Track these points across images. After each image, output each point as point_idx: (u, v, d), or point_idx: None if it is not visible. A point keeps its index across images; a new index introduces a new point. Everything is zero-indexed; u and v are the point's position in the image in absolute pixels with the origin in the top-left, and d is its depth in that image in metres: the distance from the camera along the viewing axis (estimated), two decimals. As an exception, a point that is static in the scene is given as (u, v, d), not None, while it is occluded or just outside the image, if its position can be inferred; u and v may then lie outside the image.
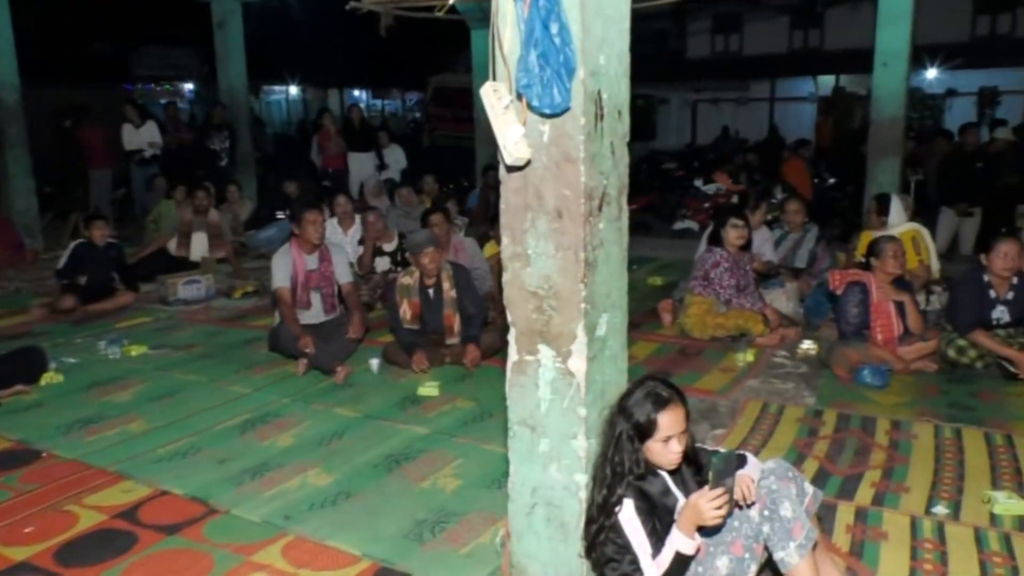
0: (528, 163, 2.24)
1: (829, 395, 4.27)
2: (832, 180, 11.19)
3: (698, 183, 10.53)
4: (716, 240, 5.26)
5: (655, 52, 20.94)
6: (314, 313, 4.91)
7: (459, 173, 12.23)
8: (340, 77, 23.81)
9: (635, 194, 12.25)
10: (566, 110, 2.14)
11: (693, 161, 15.19)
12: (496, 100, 2.17)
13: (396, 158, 10.35)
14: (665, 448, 2.25)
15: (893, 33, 7.21)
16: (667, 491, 2.34)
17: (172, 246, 7.55)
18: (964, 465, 3.38)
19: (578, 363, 2.32)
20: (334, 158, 10.18)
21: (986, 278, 4.47)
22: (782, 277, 5.96)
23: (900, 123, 7.32)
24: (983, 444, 3.58)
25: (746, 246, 5.30)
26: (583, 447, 2.36)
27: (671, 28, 21.04)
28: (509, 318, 2.43)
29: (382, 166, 10.19)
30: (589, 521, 2.32)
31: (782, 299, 5.63)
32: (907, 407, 4.07)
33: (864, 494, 3.14)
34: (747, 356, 4.83)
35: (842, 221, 9.82)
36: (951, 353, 4.46)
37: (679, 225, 10.16)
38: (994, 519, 2.92)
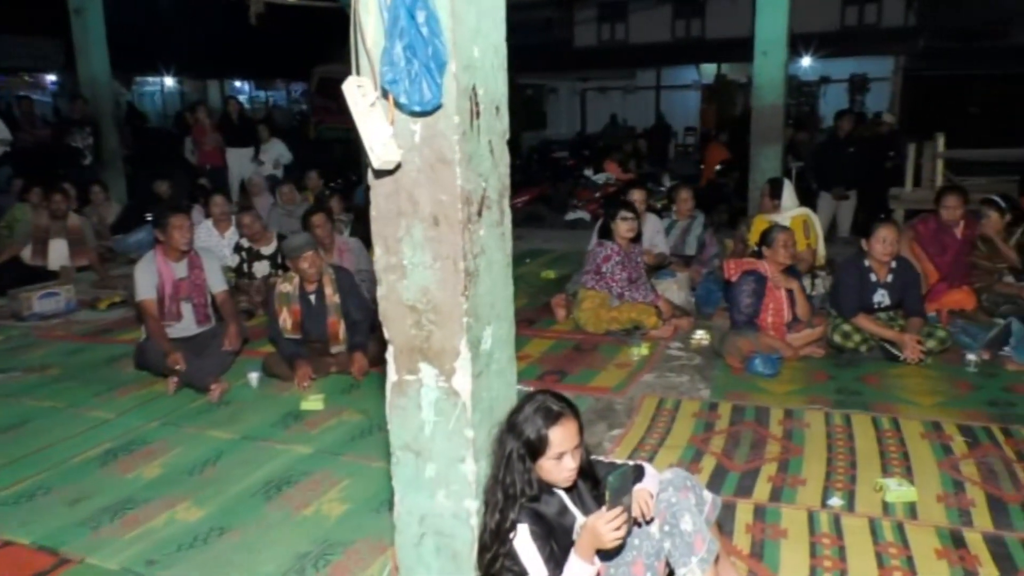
0: (399, 166, 2.03)
1: (723, 386, 4.26)
2: (717, 166, 11.42)
3: (588, 172, 10.53)
4: (606, 233, 5.18)
5: (543, 41, 20.96)
6: (185, 325, 4.53)
7: (347, 167, 11.82)
8: (220, 67, 22.70)
9: (526, 185, 12.29)
10: (438, 107, 1.95)
11: (583, 150, 15.28)
12: (360, 97, 1.95)
13: (278, 153, 9.86)
14: (559, 465, 2.10)
15: (771, 22, 7.35)
16: (564, 510, 2.20)
17: (27, 254, 6.89)
18: (855, 452, 3.41)
19: (463, 381, 2.13)
20: (210, 154, 9.60)
21: (867, 263, 4.56)
22: (673, 267, 5.98)
23: (780, 110, 7.49)
24: (871, 429, 3.63)
25: (637, 238, 5.25)
26: (472, 471, 2.18)
27: (558, 17, 21.10)
28: (386, 335, 2.22)
29: (261, 162, 9.69)
30: (482, 549, 2.15)
31: (673, 289, 5.63)
32: (798, 395, 4.10)
33: (762, 490, 3.10)
34: (642, 350, 4.78)
35: (729, 207, 10.03)
36: (837, 338, 4.54)
37: (571, 215, 10.14)
38: (887, 507, 2.94)
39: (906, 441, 3.49)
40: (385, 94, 1.93)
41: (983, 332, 4.67)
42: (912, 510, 2.91)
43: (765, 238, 4.58)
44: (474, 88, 2.03)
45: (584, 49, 20.58)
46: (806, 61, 17.70)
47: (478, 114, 2.06)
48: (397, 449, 2.28)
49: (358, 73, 1.99)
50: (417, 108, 1.91)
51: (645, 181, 10.46)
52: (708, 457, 3.41)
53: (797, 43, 17.02)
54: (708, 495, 2.35)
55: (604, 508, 2.01)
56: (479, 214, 2.11)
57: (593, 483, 2.28)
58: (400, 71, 1.86)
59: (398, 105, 1.93)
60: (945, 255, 5.36)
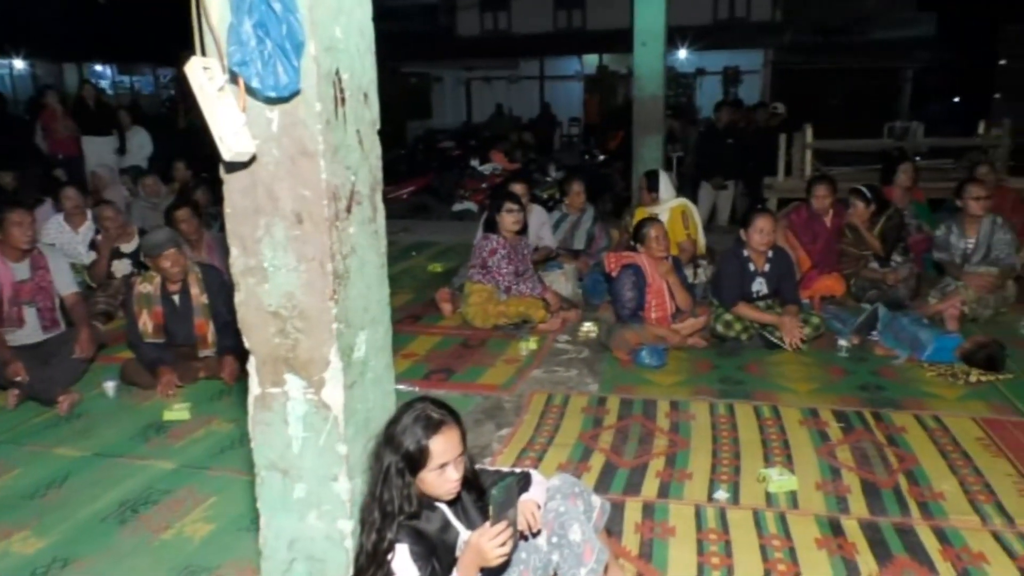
0: (254, 158, 1.83)
1: (611, 379, 4.23)
2: (602, 157, 11.55)
3: (475, 163, 10.40)
4: (492, 226, 5.06)
5: (426, 30, 20.66)
6: (29, 332, 4.11)
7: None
8: (77, 49, 21.08)
9: (412, 175, 12.02)
10: (296, 93, 1.76)
11: (470, 140, 15.14)
12: (206, 81, 1.73)
13: (140, 142, 9.20)
14: (441, 477, 1.96)
15: (649, 13, 7.43)
16: (447, 526, 2.06)
17: None
18: (739, 443, 3.43)
19: (334, 393, 1.96)
20: (64, 142, 8.85)
21: (745, 253, 4.64)
22: (561, 259, 5.93)
23: (660, 101, 7.59)
24: (753, 418, 3.67)
25: (523, 230, 5.16)
26: (346, 489, 2.01)
27: (441, 5, 20.83)
28: (247, 344, 2.01)
29: (122, 150, 9.02)
30: (358, 573, 1.99)
31: (561, 281, 5.58)
32: (684, 386, 4.12)
33: (650, 486, 3.07)
34: (530, 344, 4.70)
35: (614, 197, 10.15)
36: (719, 328, 4.60)
37: (458, 206, 9.99)
38: (770, 498, 2.96)
39: (786, 429, 3.55)
40: (235, 78, 1.72)
41: (853, 318, 4.85)
42: (793, 499, 2.95)
43: (637, 234, 4.57)
44: (338, 72, 1.85)
45: (467, 38, 20.39)
46: (682, 53, 18.19)
47: (343, 101, 1.87)
48: (262, 468, 2.08)
49: (203, 53, 1.77)
50: (272, 93, 1.72)
51: (531, 171, 10.47)
52: (597, 455, 3.36)
53: (674, 35, 17.46)
54: (597, 500, 2.27)
55: (488, 524, 1.89)
56: (348, 211, 1.93)
57: (478, 494, 2.15)
58: (251, 52, 1.66)
59: (250, 90, 1.73)
60: (816, 243, 5.55)
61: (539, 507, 2.07)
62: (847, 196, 5.62)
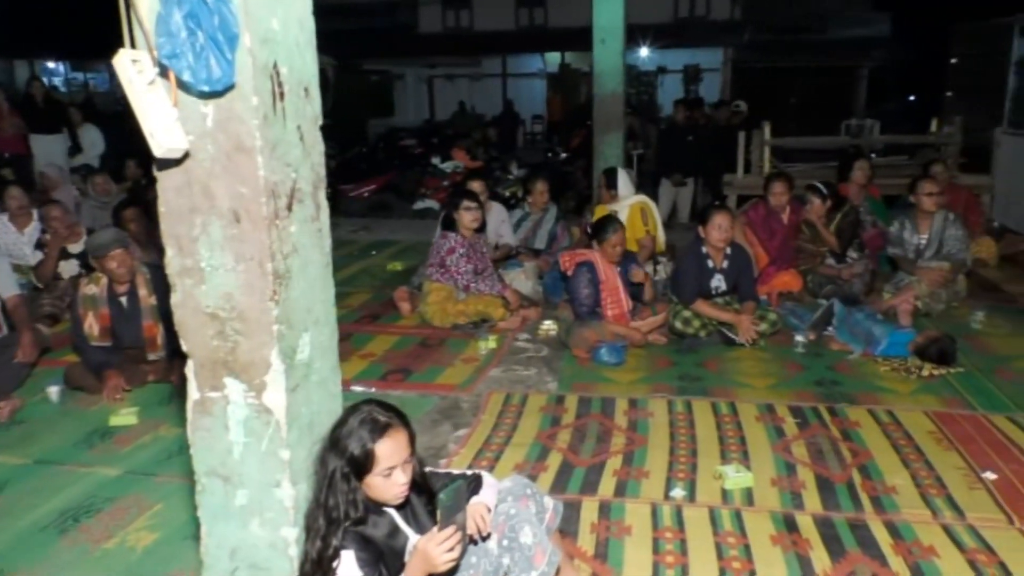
0: (187, 155, 1.76)
1: (570, 378, 4.21)
2: (564, 155, 11.55)
3: (436, 161, 10.32)
4: (450, 224, 5.01)
5: (387, 27, 20.48)
6: (-32, 337, 3.96)
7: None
8: (28, 45, 20.54)
9: (373, 173, 11.90)
10: (230, 87, 1.69)
11: (432, 137, 15.03)
12: (136, 74, 1.66)
13: (91, 139, 8.97)
14: (388, 481, 1.91)
15: (608, 11, 7.43)
16: (395, 531, 2.01)
17: None
18: (696, 440, 3.43)
19: (275, 396, 1.90)
20: (11, 141, 8.57)
21: (704, 249, 4.65)
22: (521, 257, 5.90)
23: (620, 98, 7.59)
24: (711, 415, 3.68)
25: (481, 228, 5.12)
26: (290, 496, 1.96)
27: (402, 2, 20.66)
28: (184, 347, 1.94)
29: (76, 149, 8.79)
30: (304, 581, 1.93)
31: (521, 279, 5.55)
32: (643, 383, 4.12)
33: (607, 485, 3.05)
34: (489, 343, 4.65)
35: (576, 194, 10.14)
36: (678, 324, 4.61)
37: (419, 205, 9.90)
38: (726, 495, 2.96)
39: (743, 425, 3.56)
40: (165, 71, 1.65)
41: (809, 313, 4.89)
42: (749, 496, 2.95)
43: (597, 232, 4.55)
44: (276, 66, 1.79)
45: (429, 35, 20.25)
46: (644, 51, 18.28)
47: (282, 95, 1.81)
48: (203, 475, 2.01)
49: (132, 45, 1.70)
50: (205, 88, 1.65)
51: (493, 169, 10.42)
52: (554, 454, 3.33)
53: (635, 33, 17.55)
54: (549, 502, 2.24)
55: (435, 528, 1.85)
56: (289, 209, 1.87)
57: (428, 497, 2.11)
58: (181, 44, 1.59)
59: (182, 84, 1.66)
60: (774, 239, 5.58)
61: (489, 510, 2.04)
62: (804, 193, 5.66)
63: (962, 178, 7.65)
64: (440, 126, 17.34)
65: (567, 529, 2.72)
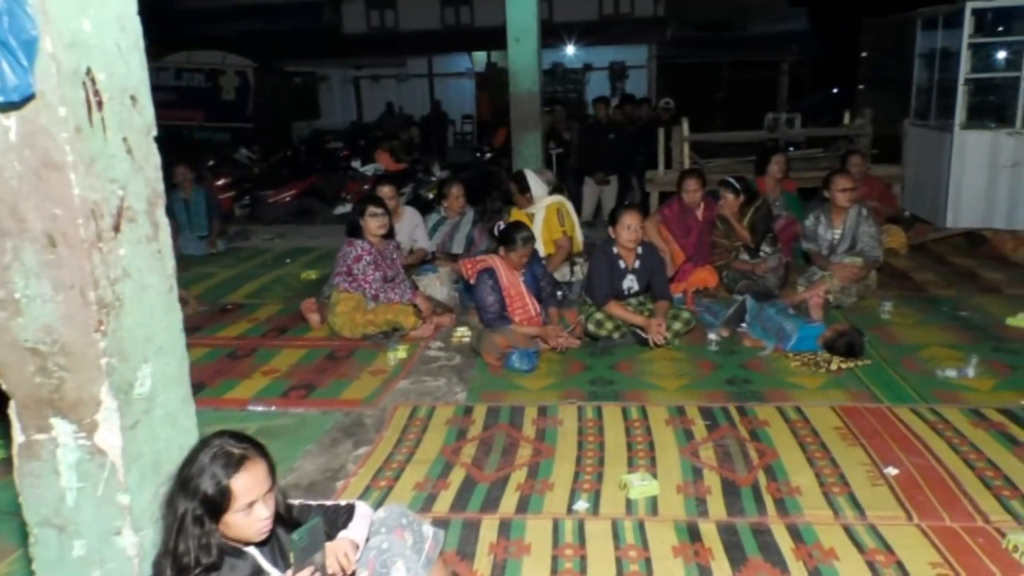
0: (-14, 173, 1.57)
1: (480, 387, 4.09)
2: (488, 154, 11.44)
3: (356, 164, 10.08)
4: (355, 231, 4.84)
5: (311, 27, 20.05)
6: None
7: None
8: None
9: (295, 178, 11.58)
10: (30, 97, 1.52)
11: (359, 140, 14.74)
12: (-82, 83, 1.47)
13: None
14: (249, 517, 1.75)
15: (521, 9, 7.33)
16: (258, 572, 1.85)
17: None
18: (604, 447, 3.35)
19: (110, 436, 1.73)
20: None
21: (615, 250, 4.58)
22: (437, 262, 5.75)
23: (537, 97, 7.50)
24: (621, 420, 3.60)
25: (389, 233, 4.95)
26: (133, 544, 1.79)
27: (326, 2, 20.25)
28: (3, 385, 1.75)
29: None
30: (153, 636, 1.76)
31: (435, 285, 5.40)
32: (553, 389, 4.02)
33: (509, 501, 2.93)
34: (399, 353, 4.50)
35: (502, 194, 10.03)
36: (591, 327, 4.53)
37: (340, 210, 9.63)
38: (630, 506, 2.87)
39: (652, 430, 3.49)
40: (-51, 80, 1.46)
41: (724, 310, 4.87)
42: (654, 505, 2.87)
43: (505, 240, 4.43)
44: (90, 72, 1.61)
45: (354, 36, 19.89)
46: (570, 49, 18.29)
47: (100, 105, 1.64)
48: (35, 526, 1.82)
49: (-88, 51, 1.50)
50: (0, 98, 1.47)
51: (417, 171, 10.23)
52: (457, 469, 3.20)
53: (560, 31, 17.56)
54: (429, 530, 2.11)
55: (290, 571, 1.70)
56: (116, 229, 1.70)
57: (296, 528, 1.96)
58: (-36, 49, 1.41)
59: (-29, 94, 1.47)
60: (689, 236, 5.57)
61: (357, 546, 1.90)
62: (717, 188, 5.65)
63: (874, 169, 7.80)
64: (367, 128, 17.04)
65: (464, 551, 2.61)
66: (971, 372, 3.95)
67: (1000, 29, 7.31)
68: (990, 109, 7.46)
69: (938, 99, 7.71)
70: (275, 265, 6.99)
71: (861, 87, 11.04)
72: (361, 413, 3.80)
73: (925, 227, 7.40)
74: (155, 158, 1.83)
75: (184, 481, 1.75)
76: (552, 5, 18.24)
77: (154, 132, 1.82)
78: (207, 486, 1.71)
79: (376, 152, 10.98)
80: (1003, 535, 2.59)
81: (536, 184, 5.72)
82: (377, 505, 2.89)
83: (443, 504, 2.92)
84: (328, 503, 2.09)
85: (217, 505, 1.72)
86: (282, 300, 5.84)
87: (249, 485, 1.74)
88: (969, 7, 6.97)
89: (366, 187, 9.69)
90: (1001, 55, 7.33)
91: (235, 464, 1.73)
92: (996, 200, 7.14)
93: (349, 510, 2.01)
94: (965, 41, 7.05)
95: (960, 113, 7.25)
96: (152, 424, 1.83)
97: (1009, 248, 6.62)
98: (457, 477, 3.14)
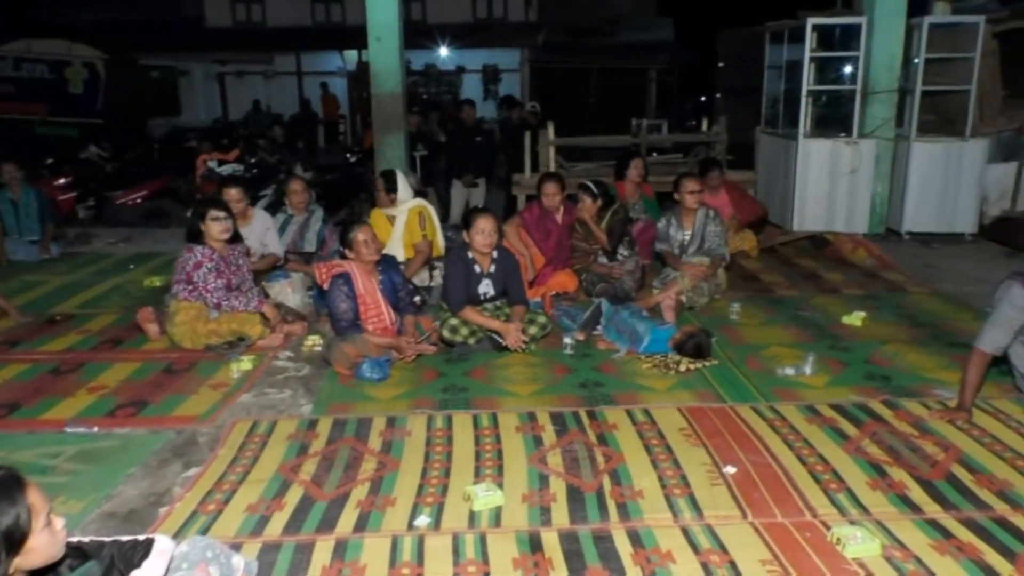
0: None
1: (328, 398, 3.91)
2: (355, 156, 11.20)
3: (212, 164, 9.58)
4: (196, 236, 4.55)
5: (170, 18, 19.05)
6: None
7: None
8: None
9: (148, 178, 10.93)
10: None
11: (222, 138, 14.08)
12: None
13: None
14: (53, 532, 1.63)
15: (382, 7, 7.18)
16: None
17: None
18: (452, 458, 3.25)
19: None
20: None
21: (470, 255, 4.52)
22: (288, 267, 5.51)
23: (400, 98, 7.36)
24: (471, 429, 3.52)
25: (234, 238, 4.69)
26: None
27: (188, -7, 19.32)
28: None
29: None
30: None
31: (287, 291, 5.18)
32: (404, 399, 3.90)
33: (347, 520, 2.79)
34: (243, 365, 4.26)
35: (370, 196, 9.80)
36: (446, 333, 4.44)
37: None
38: (473, 518, 2.79)
39: (502, 437, 3.43)
40: None
41: (582, 314, 4.90)
42: (497, 516, 2.80)
43: (343, 240, 4.29)
44: None
45: (217, 29, 19.04)
46: (444, 51, 18.21)
47: None
48: None
49: None
50: None
51: (280, 172, 9.84)
52: (295, 488, 3.02)
53: (434, 32, 17.45)
54: (240, 562, 1.96)
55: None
56: None
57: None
58: None
59: None
60: (549, 239, 5.58)
61: (148, 586, 1.72)
62: (576, 192, 5.70)
63: (730, 175, 8.11)
64: (232, 126, 16.32)
65: (291, 579, 2.45)
66: (808, 370, 4.12)
67: (838, 44, 7.77)
68: (832, 119, 7.93)
69: (785, 109, 8.13)
70: (116, 272, 6.52)
71: (718, 95, 11.52)
72: (195, 431, 3.55)
73: (774, 230, 7.76)
74: None
75: None
76: (425, 6, 18.12)
77: None
78: (3, 518, 1.53)
79: (231, 152, 10.50)
80: (828, 528, 2.68)
81: (404, 187, 5.59)
82: (203, 532, 2.70)
83: (276, 527, 2.75)
84: (125, 539, 1.90)
85: (20, 531, 1.54)
86: (120, 310, 5.43)
87: (39, 496, 1.60)
88: (810, 23, 7.37)
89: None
90: (840, 69, 7.80)
91: (14, 483, 1.57)
92: (837, 205, 7.59)
93: (147, 545, 1.83)
94: (807, 55, 7.46)
95: (804, 122, 7.66)
96: None
97: (848, 250, 7.04)
98: (294, 496, 2.96)
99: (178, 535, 2.67)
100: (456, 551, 2.60)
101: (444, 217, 8.45)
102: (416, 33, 16.40)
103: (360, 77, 19.37)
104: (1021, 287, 3.42)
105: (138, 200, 10.06)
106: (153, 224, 9.51)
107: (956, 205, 7.43)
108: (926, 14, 7.47)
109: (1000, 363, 3.67)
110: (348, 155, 12.58)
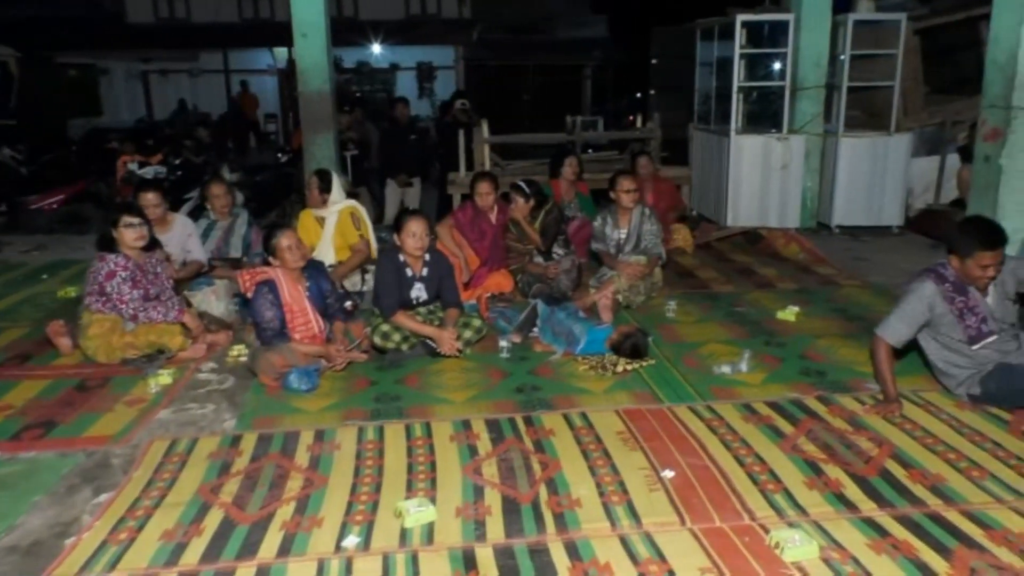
0: None
1: (253, 412, 3.73)
2: (285, 156, 10.92)
3: (133, 166, 9.18)
4: (108, 244, 4.29)
5: (88, 15, 18.28)
6: None
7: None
8: None
9: (65, 181, 10.44)
10: None
11: (148, 139, 13.55)
12: None
13: None
14: None
15: (307, 2, 6.95)
16: None
17: None
18: (383, 472, 3.12)
19: None
20: None
21: (402, 258, 4.38)
22: (214, 274, 5.27)
23: (328, 96, 7.14)
24: (403, 440, 3.39)
25: (150, 245, 4.45)
26: None
27: (107, -12, 18.57)
28: None
29: None
30: None
31: (211, 299, 4.94)
32: (334, 410, 3.75)
33: (270, 544, 2.63)
34: (161, 378, 4.04)
35: (300, 197, 9.53)
36: (377, 340, 4.29)
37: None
38: (405, 536, 2.67)
39: (435, 448, 3.31)
40: None
41: (518, 315, 4.81)
42: (430, 533, 2.68)
43: (266, 247, 4.11)
44: None
45: (139, 26, 18.35)
46: (376, 48, 17.93)
47: None
48: None
49: None
50: None
51: (203, 174, 9.51)
52: (215, 511, 2.85)
53: (366, 29, 17.15)
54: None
55: None
56: None
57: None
58: None
59: None
60: (484, 240, 5.48)
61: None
62: (508, 191, 5.61)
63: (664, 171, 8.14)
64: (156, 126, 15.75)
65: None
66: (744, 367, 4.11)
67: (767, 41, 7.86)
68: (763, 115, 8.02)
69: (717, 105, 8.18)
70: (27, 282, 6.17)
71: (652, 92, 11.58)
72: (108, 452, 3.33)
73: (710, 226, 7.81)
74: None
75: None
76: (357, 2, 17.80)
77: None
78: None
79: (152, 155, 10.10)
80: (767, 531, 2.64)
81: (337, 188, 5.41)
82: (113, 564, 2.52)
83: (193, 555, 2.58)
84: None
85: None
86: (30, 323, 5.12)
87: None
88: (740, 20, 7.43)
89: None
90: (769, 65, 7.89)
91: None
92: (769, 200, 7.67)
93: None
94: (737, 52, 7.52)
95: (736, 119, 7.72)
96: None
97: (781, 244, 7.12)
98: (213, 520, 2.79)
99: (85, 568, 2.49)
100: (387, 572, 2.48)
101: (378, 218, 8.28)
102: (347, 30, 16.10)
103: (291, 75, 18.94)
104: (934, 284, 3.47)
105: (54, 205, 9.60)
106: (71, 230, 9.07)
107: (883, 198, 7.59)
108: (850, 11, 7.61)
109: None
110: (279, 155, 12.26)
